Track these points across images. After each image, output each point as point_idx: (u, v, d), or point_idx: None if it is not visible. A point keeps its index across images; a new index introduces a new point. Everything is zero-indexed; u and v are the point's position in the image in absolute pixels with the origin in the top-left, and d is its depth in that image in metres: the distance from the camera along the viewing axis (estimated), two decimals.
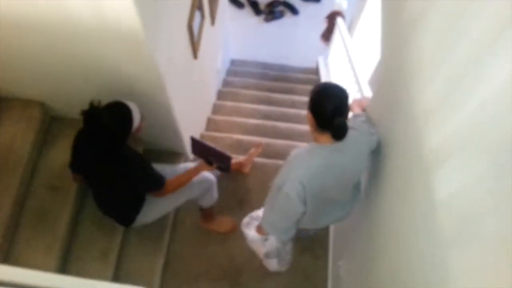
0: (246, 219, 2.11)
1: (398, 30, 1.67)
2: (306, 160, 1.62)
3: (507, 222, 0.82)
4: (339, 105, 1.52)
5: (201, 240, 2.70)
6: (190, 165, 2.34)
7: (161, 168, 2.11)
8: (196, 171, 2.17)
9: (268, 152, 3.22)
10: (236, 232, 2.65)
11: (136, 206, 2.13)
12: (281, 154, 3.24)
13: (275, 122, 3.69)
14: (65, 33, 1.60)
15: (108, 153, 1.89)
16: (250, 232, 2.03)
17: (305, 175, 1.58)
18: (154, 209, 2.21)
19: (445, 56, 1.16)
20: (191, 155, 2.94)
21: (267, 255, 2.08)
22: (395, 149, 1.60)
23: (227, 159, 2.17)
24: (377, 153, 1.82)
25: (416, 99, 1.37)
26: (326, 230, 2.75)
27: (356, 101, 2.01)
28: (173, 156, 2.77)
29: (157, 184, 1.99)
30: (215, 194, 2.47)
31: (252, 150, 3.01)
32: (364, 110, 1.93)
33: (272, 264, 2.14)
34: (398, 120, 1.58)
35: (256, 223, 2.01)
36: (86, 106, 2.17)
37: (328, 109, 1.50)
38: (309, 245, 2.71)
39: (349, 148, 1.63)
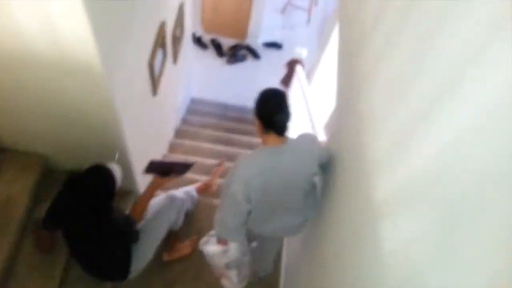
0: (204, 238, 2.30)
1: (351, 82, 1.73)
2: (250, 161, 1.80)
3: (450, 281, 0.82)
4: (277, 103, 1.72)
5: None
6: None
7: None
8: (152, 187, 2.13)
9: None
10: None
11: (126, 254, 2.07)
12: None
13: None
14: (20, 62, 1.55)
15: (95, 215, 1.87)
16: (210, 248, 2.21)
17: (248, 174, 1.75)
18: (142, 249, 2.15)
19: (392, 111, 1.20)
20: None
21: (228, 266, 2.21)
22: (346, 196, 1.62)
23: (190, 165, 2.20)
24: (327, 195, 1.84)
25: (366, 149, 1.39)
26: (277, 274, 2.70)
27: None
28: (123, 195, 2.66)
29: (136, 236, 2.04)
30: (182, 214, 2.51)
31: (215, 169, 2.96)
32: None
33: (232, 277, 2.27)
34: (350, 166, 1.61)
35: (214, 239, 2.17)
36: (39, 140, 2.11)
37: (268, 109, 1.72)
38: None
39: (295, 151, 1.79)
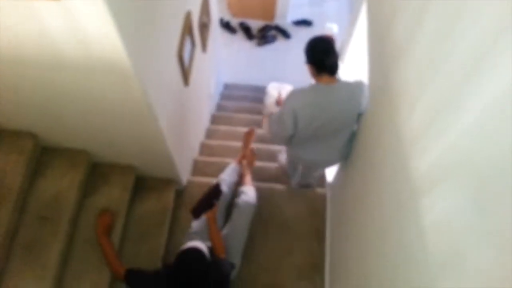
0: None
1: (384, 58, 1.69)
2: (301, 93, 2.08)
3: (486, 256, 0.82)
4: (325, 48, 1.98)
5: None
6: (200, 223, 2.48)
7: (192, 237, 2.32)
8: (210, 223, 2.29)
9: (263, 176, 3.21)
10: None
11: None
12: (276, 178, 3.23)
13: (270, 145, 3.69)
14: (52, 66, 1.60)
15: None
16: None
17: (297, 104, 2.04)
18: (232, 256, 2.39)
19: (427, 86, 1.18)
20: (184, 181, 2.93)
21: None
22: (385, 173, 1.61)
23: (217, 188, 2.38)
24: (367, 173, 1.83)
25: (403, 126, 1.38)
26: (322, 256, 2.72)
27: None
28: (166, 183, 2.75)
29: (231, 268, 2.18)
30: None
31: (246, 137, 3.13)
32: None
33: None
34: (387, 143, 1.59)
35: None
36: (77, 137, 2.20)
37: (318, 54, 1.98)
38: (306, 271, 2.68)
39: (344, 91, 2.03)
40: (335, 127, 2.13)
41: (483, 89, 0.86)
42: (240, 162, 3.04)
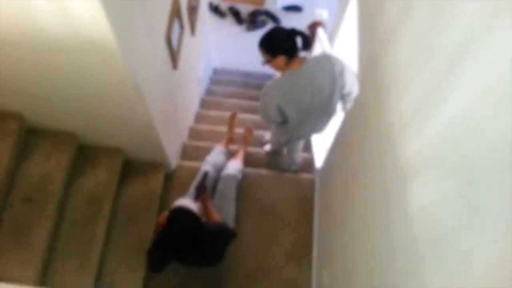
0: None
1: (374, 44, 1.69)
2: (278, 87, 2.12)
3: (471, 242, 0.83)
4: (288, 34, 2.02)
5: None
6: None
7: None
8: (205, 206, 2.35)
9: (252, 161, 3.22)
10: None
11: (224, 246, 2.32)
12: (265, 163, 3.24)
13: (259, 130, 3.69)
14: (38, 46, 1.57)
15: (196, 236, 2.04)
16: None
17: (279, 99, 2.11)
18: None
19: (416, 72, 1.18)
20: (173, 165, 2.93)
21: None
22: (374, 159, 1.62)
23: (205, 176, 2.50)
24: (355, 157, 1.85)
25: (391, 112, 1.39)
26: (309, 240, 2.75)
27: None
28: (154, 166, 2.74)
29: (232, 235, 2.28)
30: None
31: (229, 121, 3.29)
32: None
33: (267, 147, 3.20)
34: (376, 130, 1.60)
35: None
36: (65, 118, 2.17)
37: (286, 41, 2.02)
38: (294, 254, 2.71)
39: (312, 67, 2.07)
40: (322, 101, 2.18)
41: (471, 77, 0.87)
42: (226, 145, 3.11)
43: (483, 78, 0.82)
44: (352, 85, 2.17)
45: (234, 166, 2.88)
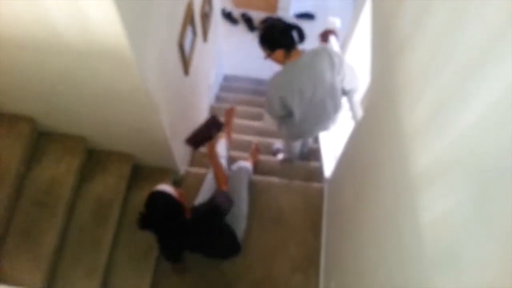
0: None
1: (387, 51, 1.68)
2: (280, 80, 2.21)
3: (485, 253, 0.82)
4: (285, 27, 2.13)
5: (191, 256, 2.66)
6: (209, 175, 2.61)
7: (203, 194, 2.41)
8: (210, 155, 2.26)
9: (262, 169, 3.21)
10: None
11: (230, 233, 2.32)
12: (275, 171, 3.23)
13: (269, 138, 3.68)
14: (52, 51, 1.59)
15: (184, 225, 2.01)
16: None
17: (281, 91, 2.19)
18: (238, 219, 2.40)
19: (430, 81, 1.17)
20: (181, 171, 2.92)
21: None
22: (385, 168, 1.60)
23: (213, 121, 2.25)
24: (366, 166, 1.84)
25: (404, 120, 1.38)
26: (317, 250, 2.72)
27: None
28: (163, 172, 2.74)
29: (230, 204, 2.19)
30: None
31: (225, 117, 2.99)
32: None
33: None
34: (388, 139, 1.59)
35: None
36: (76, 123, 2.18)
37: (283, 34, 2.14)
38: (301, 264, 2.68)
39: (310, 58, 2.16)
40: (324, 92, 2.25)
41: (487, 85, 0.85)
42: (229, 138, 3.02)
43: (500, 86, 0.80)
44: (352, 79, 2.29)
45: (245, 163, 2.89)
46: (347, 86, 2.28)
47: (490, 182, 0.82)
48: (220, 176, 2.24)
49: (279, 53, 2.18)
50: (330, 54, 2.19)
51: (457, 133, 0.98)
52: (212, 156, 2.25)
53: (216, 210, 2.11)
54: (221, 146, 2.85)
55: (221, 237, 2.29)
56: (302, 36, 2.18)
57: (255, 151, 3.28)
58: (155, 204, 1.93)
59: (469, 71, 0.94)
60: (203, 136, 2.22)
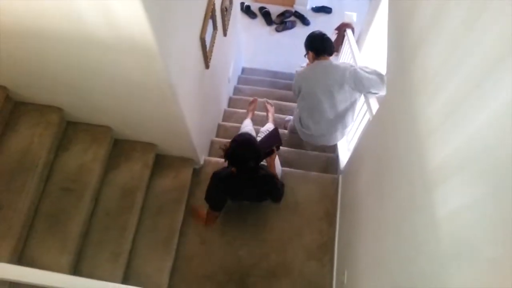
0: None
1: (404, 47, 1.69)
2: (302, 73, 2.87)
3: (501, 249, 0.83)
4: (320, 39, 2.79)
5: (209, 243, 2.77)
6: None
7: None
8: (271, 166, 2.63)
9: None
10: (245, 235, 2.77)
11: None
12: (292, 162, 3.30)
13: (286, 130, 3.75)
14: (80, 43, 1.65)
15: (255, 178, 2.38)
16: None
17: (300, 81, 2.87)
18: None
19: (448, 78, 1.18)
20: (201, 160, 3.02)
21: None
22: (400, 162, 1.63)
23: (274, 133, 2.70)
24: (382, 161, 1.88)
25: (419, 116, 1.39)
26: (331, 239, 2.79)
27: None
28: (184, 161, 2.84)
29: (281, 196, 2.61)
30: None
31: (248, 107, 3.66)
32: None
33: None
34: (403, 133, 1.61)
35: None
36: (102, 113, 2.28)
37: (317, 43, 2.78)
38: (315, 252, 2.76)
39: (330, 65, 2.74)
40: (321, 93, 2.76)
41: (506, 82, 0.86)
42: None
43: None
44: (375, 88, 2.57)
45: (270, 125, 3.25)
46: (367, 91, 2.62)
47: (506, 178, 0.82)
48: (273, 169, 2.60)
49: (310, 54, 2.82)
50: (344, 75, 2.64)
51: (473, 130, 0.99)
52: (273, 163, 2.62)
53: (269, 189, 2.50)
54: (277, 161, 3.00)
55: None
56: (331, 51, 2.80)
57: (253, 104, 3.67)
58: (247, 142, 2.27)
59: (486, 70, 0.95)
60: (267, 146, 2.57)
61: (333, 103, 2.76)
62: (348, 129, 2.98)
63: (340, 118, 2.85)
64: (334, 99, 2.74)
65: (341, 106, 2.77)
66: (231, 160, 2.24)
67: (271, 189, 2.51)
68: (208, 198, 2.52)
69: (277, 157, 2.97)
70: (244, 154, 2.22)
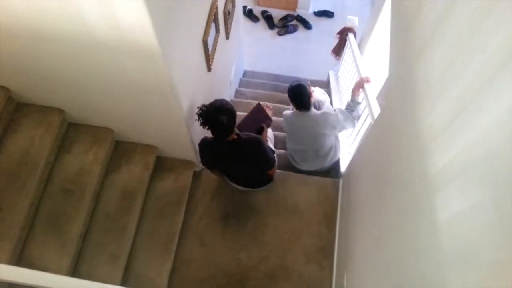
0: None
1: (406, 52, 1.69)
2: (288, 117, 3.08)
3: (502, 253, 0.82)
4: (299, 94, 2.85)
5: (209, 246, 2.76)
6: None
7: None
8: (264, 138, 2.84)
9: (280, 164, 3.27)
10: (245, 238, 2.75)
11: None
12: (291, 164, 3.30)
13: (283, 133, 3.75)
14: (83, 45, 1.66)
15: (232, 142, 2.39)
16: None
17: (286, 123, 3.12)
18: None
19: (450, 83, 1.18)
20: (202, 164, 3.01)
21: None
22: (401, 166, 1.63)
23: (258, 107, 2.95)
24: (382, 166, 1.88)
25: (421, 121, 1.39)
26: (331, 242, 2.79)
27: (356, 86, 2.92)
28: (185, 164, 2.84)
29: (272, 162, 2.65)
30: None
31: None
32: (362, 87, 2.86)
33: None
34: (405, 137, 1.61)
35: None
36: (103, 115, 2.29)
37: (294, 97, 2.89)
38: (315, 255, 2.75)
39: (310, 118, 2.92)
40: (309, 140, 3.04)
41: (508, 88, 0.86)
42: None
43: None
44: (342, 127, 2.92)
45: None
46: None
47: (507, 183, 0.82)
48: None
49: (292, 103, 2.97)
50: (319, 127, 2.93)
51: (475, 135, 0.98)
52: (265, 140, 2.65)
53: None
54: (269, 131, 3.26)
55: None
56: (308, 106, 2.89)
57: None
58: (218, 101, 2.26)
59: (488, 75, 0.95)
60: (254, 122, 2.68)
61: (316, 149, 3.09)
62: (339, 152, 3.24)
63: (326, 155, 3.12)
64: (317, 144, 3.05)
65: (324, 148, 3.08)
66: (203, 120, 2.21)
67: (257, 153, 2.48)
68: (202, 162, 2.63)
69: (269, 130, 3.19)
70: (213, 110, 2.19)
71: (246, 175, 2.77)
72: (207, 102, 2.24)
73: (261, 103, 3.47)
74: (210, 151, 2.49)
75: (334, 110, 2.95)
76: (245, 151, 2.45)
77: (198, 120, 2.20)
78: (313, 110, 2.93)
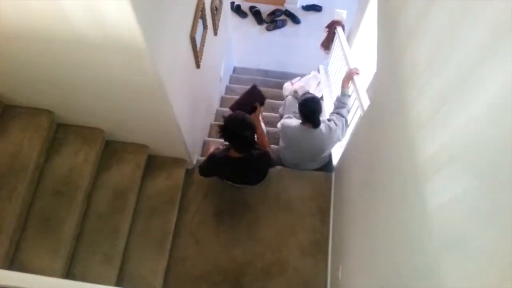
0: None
1: (393, 43, 1.71)
2: (289, 129, 2.92)
3: (491, 240, 0.84)
4: (312, 110, 2.69)
5: (203, 243, 2.76)
6: None
7: None
8: (256, 121, 2.65)
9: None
10: (239, 234, 2.76)
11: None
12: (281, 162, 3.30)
13: (277, 128, 3.74)
14: (68, 44, 1.64)
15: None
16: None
17: (285, 136, 2.98)
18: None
19: (436, 72, 1.19)
20: (194, 161, 3.01)
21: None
22: (391, 157, 1.64)
23: (254, 88, 2.84)
24: (373, 156, 1.89)
25: (409, 111, 1.40)
26: (325, 235, 2.80)
27: (345, 78, 2.90)
28: (177, 162, 2.83)
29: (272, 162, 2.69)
30: None
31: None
32: (351, 79, 2.82)
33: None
34: (394, 128, 1.63)
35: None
36: (93, 115, 2.27)
37: (308, 113, 2.70)
38: (309, 249, 2.76)
39: (315, 135, 2.77)
40: (310, 153, 2.98)
41: (494, 75, 0.87)
42: None
43: (507, 77, 0.82)
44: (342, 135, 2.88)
45: None
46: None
47: (495, 171, 0.84)
48: (264, 138, 2.75)
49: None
50: (327, 141, 2.83)
51: (462, 123, 1.00)
52: (257, 123, 2.57)
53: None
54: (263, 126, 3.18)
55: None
56: (318, 123, 2.72)
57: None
58: (239, 115, 2.27)
59: (474, 64, 0.96)
60: (244, 105, 2.64)
61: (312, 157, 3.06)
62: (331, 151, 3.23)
63: (320, 159, 3.12)
64: (316, 156, 3.04)
65: (321, 156, 3.05)
66: (227, 134, 2.25)
67: (266, 168, 2.65)
68: (201, 172, 2.66)
69: (262, 125, 3.11)
70: (237, 124, 2.23)
71: (247, 182, 2.83)
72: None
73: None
74: (219, 165, 2.52)
75: (329, 120, 2.87)
76: (255, 168, 2.54)
77: (221, 135, 2.25)
78: (321, 126, 2.76)
